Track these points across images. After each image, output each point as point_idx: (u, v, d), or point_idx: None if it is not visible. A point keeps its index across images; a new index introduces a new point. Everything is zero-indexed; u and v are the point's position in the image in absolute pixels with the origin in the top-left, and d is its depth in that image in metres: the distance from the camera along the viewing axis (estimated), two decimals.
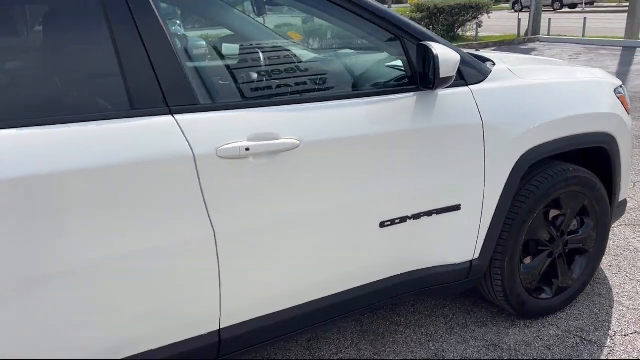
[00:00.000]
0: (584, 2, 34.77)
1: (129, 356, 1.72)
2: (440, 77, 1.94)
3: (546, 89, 2.43)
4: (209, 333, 1.85)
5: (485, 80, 2.27)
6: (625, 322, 2.62)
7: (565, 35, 15.81)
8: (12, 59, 1.64)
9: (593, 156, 2.66)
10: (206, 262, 1.76)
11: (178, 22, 2.58)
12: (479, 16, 15.37)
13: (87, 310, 1.61)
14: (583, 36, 14.96)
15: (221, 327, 1.86)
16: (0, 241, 1.45)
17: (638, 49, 12.64)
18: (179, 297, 1.75)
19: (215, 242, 1.74)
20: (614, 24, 19.25)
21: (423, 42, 2.02)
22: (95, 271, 1.59)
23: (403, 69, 2.18)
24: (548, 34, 16.06)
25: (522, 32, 16.48)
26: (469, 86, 2.21)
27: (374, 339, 2.59)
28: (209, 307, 1.81)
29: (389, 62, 2.25)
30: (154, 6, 1.69)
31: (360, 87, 2.17)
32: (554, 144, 2.38)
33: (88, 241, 1.56)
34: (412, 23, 2.13)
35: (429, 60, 1.97)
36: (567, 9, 35.13)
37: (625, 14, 14.08)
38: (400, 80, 2.16)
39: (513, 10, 31.49)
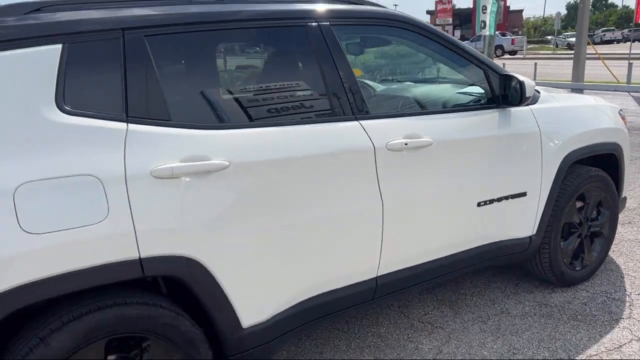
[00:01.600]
0: (524, 49, 37.66)
1: (320, 293, 2.38)
2: (526, 96, 2.76)
3: (578, 110, 3.30)
4: (370, 279, 2.53)
5: (538, 102, 3.10)
6: (636, 286, 3.45)
7: None
8: (268, 85, 2.34)
9: (603, 161, 3.50)
10: (375, 226, 2.46)
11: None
12: None
13: (306, 253, 2.28)
14: (534, 78, 16.54)
15: (378, 275, 2.55)
16: (278, 204, 2.12)
17: (584, 90, 14.17)
18: (358, 249, 2.44)
19: (383, 212, 2.45)
20: (556, 69, 21.20)
21: (506, 74, 2.84)
22: (313, 226, 2.27)
23: (478, 94, 2.98)
24: None
25: None
26: (529, 106, 3.03)
27: (450, 304, 3.31)
28: (373, 258, 2.50)
29: (469, 88, 3.05)
30: (343, 49, 2.43)
31: (458, 105, 2.96)
32: (585, 149, 3.24)
33: (307, 204, 2.25)
34: (493, 61, 2.96)
35: (513, 85, 2.78)
36: (507, 55, 37.90)
37: (561, 61, 15.68)
38: (480, 101, 2.96)
39: None
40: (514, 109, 2.94)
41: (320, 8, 2.46)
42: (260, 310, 2.20)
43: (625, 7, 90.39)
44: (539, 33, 75.26)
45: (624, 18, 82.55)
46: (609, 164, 3.52)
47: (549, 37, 59.89)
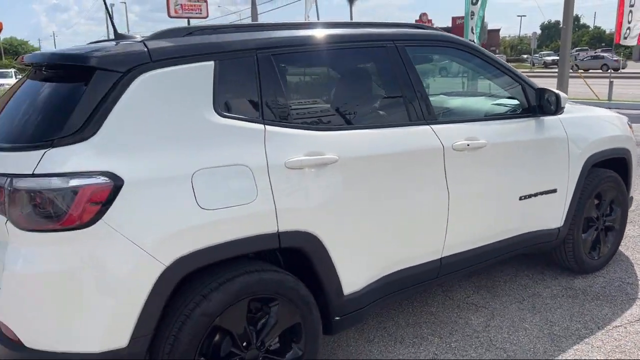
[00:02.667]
0: None
1: (398, 270, 2.84)
2: (561, 107, 3.28)
3: (596, 119, 3.84)
4: (436, 259, 3.00)
5: (564, 112, 3.62)
6: None
7: None
8: (362, 95, 2.82)
9: (615, 164, 4.03)
10: (443, 213, 2.93)
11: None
12: None
13: (391, 233, 2.74)
14: None
15: (442, 256, 3.02)
16: (372, 191, 2.59)
17: None
18: (429, 232, 2.91)
19: (448, 201, 2.93)
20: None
21: (541, 87, 3.36)
22: (398, 210, 2.74)
23: (514, 104, 3.50)
24: None
25: None
26: (558, 115, 3.55)
27: (487, 289, 3.79)
28: (440, 241, 2.97)
29: (506, 100, 3.56)
30: (414, 64, 2.92)
31: (502, 113, 3.47)
32: (602, 153, 3.76)
33: (394, 193, 2.72)
34: (527, 77, 3.48)
35: (547, 97, 3.30)
36: None
37: (539, 79, 16.43)
38: (516, 111, 3.47)
39: None
40: (547, 118, 3.46)
41: (396, 32, 2.96)
42: (356, 281, 2.65)
43: (597, 28, 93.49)
44: (516, 52, 77.25)
45: (596, 38, 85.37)
46: (620, 167, 4.05)
47: (525, 56, 61.63)
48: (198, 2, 24.98)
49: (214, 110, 2.26)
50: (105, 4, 2.72)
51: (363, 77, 2.97)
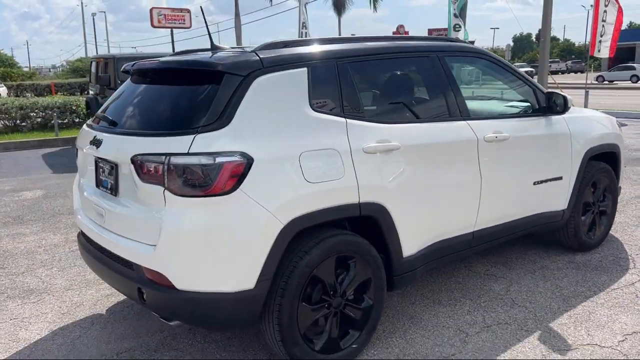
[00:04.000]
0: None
1: (442, 239, 3.46)
2: (569, 107, 3.96)
3: (592, 118, 4.54)
4: (470, 232, 3.63)
5: (567, 111, 4.30)
6: (633, 249, 4.68)
7: None
8: (415, 95, 3.45)
9: (607, 157, 4.72)
10: (476, 192, 3.57)
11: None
12: None
13: (439, 207, 3.36)
14: None
15: (474, 230, 3.66)
16: (425, 173, 3.21)
17: None
18: (466, 209, 3.54)
19: (481, 182, 3.57)
20: None
21: (550, 91, 4.04)
22: (445, 188, 3.37)
23: (526, 105, 4.17)
24: None
25: None
26: (562, 115, 4.23)
27: (503, 264, 4.43)
28: (473, 217, 3.61)
29: (521, 102, 4.23)
30: (453, 72, 3.57)
31: (519, 113, 4.13)
32: (597, 148, 4.46)
33: (442, 174, 3.34)
34: (537, 83, 4.16)
35: (554, 99, 3.98)
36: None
37: None
38: (528, 110, 4.14)
39: None
40: (554, 117, 4.14)
41: (437, 44, 3.62)
42: (412, 246, 3.25)
43: (567, 41, 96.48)
44: None
45: (566, 50, 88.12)
46: (611, 160, 4.75)
47: None
48: (181, 12, 25.31)
49: (309, 106, 2.86)
50: (204, 15, 3.31)
51: (414, 81, 3.60)
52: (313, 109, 2.86)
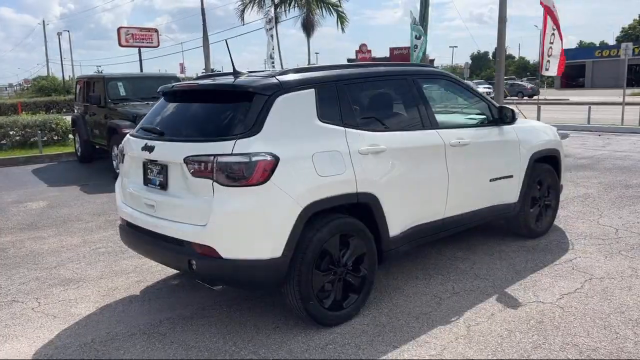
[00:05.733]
0: None
1: (419, 224, 4.33)
2: (515, 119, 4.92)
3: (536, 128, 5.54)
4: (441, 218, 4.52)
5: (515, 122, 5.26)
6: (572, 236, 5.66)
7: None
8: (397, 110, 4.33)
9: (549, 160, 5.70)
10: (444, 185, 4.46)
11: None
12: None
13: (416, 196, 4.24)
14: None
15: (444, 217, 4.55)
16: (405, 170, 4.09)
17: None
18: (437, 199, 4.42)
19: (448, 178, 4.46)
20: None
21: (501, 106, 5.00)
22: (421, 182, 4.25)
23: (483, 117, 5.12)
24: None
25: None
26: (511, 125, 5.19)
27: (466, 249, 5.34)
28: (443, 206, 4.49)
29: (478, 115, 5.18)
30: (424, 92, 4.48)
31: (477, 123, 5.07)
32: (541, 152, 5.44)
33: (418, 170, 4.23)
34: (490, 98, 5.11)
35: (505, 112, 4.94)
36: None
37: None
38: (484, 121, 5.09)
39: None
40: (505, 126, 5.10)
41: (411, 69, 4.54)
42: (395, 228, 4.10)
43: (522, 58, 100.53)
44: None
45: (521, 67, 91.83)
46: (553, 162, 5.74)
47: None
48: (149, 31, 25.79)
49: (318, 118, 3.71)
50: (228, 48, 4.13)
51: (395, 98, 4.49)
52: (320, 120, 3.71)
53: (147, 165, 3.87)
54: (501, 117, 5.04)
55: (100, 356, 3.49)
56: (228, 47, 4.16)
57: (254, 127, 3.42)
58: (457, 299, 4.17)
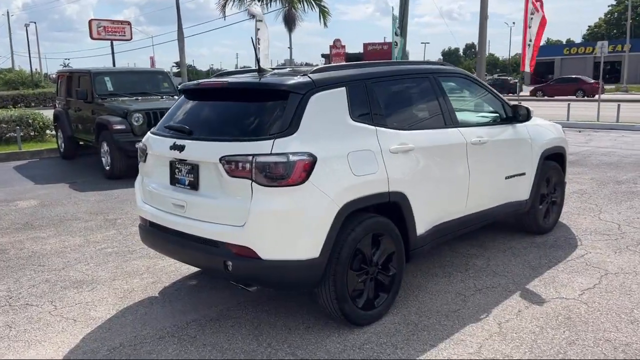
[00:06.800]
0: None
1: (442, 222, 4.35)
2: (531, 117, 4.98)
3: (545, 126, 5.62)
4: (461, 216, 4.55)
5: (528, 121, 5.33)
6: (578, 231, 5.77)
7: None
8: (421, 108, 4.33)
9: (556, 158, 5.79)
10: (466, 183, 4.49)
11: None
12: None
13: (442, 194, 4.26)
14: None
15: (465, 214, 4.58)
16: (431, 169, 4.09)
17: None
18: (459, 196, 4.45)
19: (469, 175, 4.50)
20: None
21: (515, 104, 5.06)
22: (446, 180, 4.26)
23: (495, 115, 5.16)
24: None
25: None
26: (523, 123, 5.25)
27: (478, 246, 5.39)
28: (464, 203, 4.52)
29: (488, 113, 5.22)
30: (445, 89, 4.49)
31: (492, 122, 5.10)
32: (550, 150, 5.52)
33: (443, 168, 4.24)
34: (504, 99, 5.16)
35: (521, 111, 5.00)
36: None
37: None
38: (497, 120, 5.14)
39: None
40: (518, 125, 5.16)
41: (433, 67, 4.55)
42: (422, 226, 4.11)
43: (491, 55, 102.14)
44: None
45: (491, 64, 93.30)
46: (559, 160, 5.84)
47: None
48: (122, 24, 25.24)
49: (350, 117, 3.68)
50: (254, 44, 4.06)
51: (420, 97, 4.49)
52: (352, 119, 3.69)
53: (174, 165, 3.78)
54: (515, 115, 5.09)
55: None
56: (254, 44, 4.09)
57: (290, 127, 3.38)
58: (481, 296, 4.20)
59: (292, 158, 3.28)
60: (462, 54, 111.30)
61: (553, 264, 4.87)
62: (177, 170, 3.77)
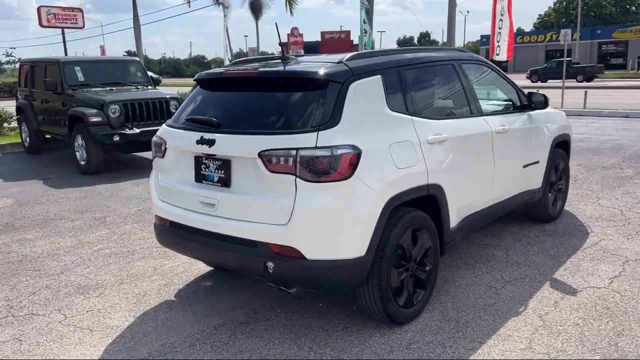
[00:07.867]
0: None
1: (472, 212, 4.23)
2: (548, 104, 4.92)
3: (554, 113, 5.57)
4: (486, 207, 4.45)
5: (545, 108, 5.27)
6: (585, 218, 5.78)
7: None
8: (451, 97, 4.18)
9: (562, 145, 5.78)
10: (491, 173, 4.39)
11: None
12: None
13: (474, 185, 4.14)
14: None
15: (490, 204, 4.48)
16: (462, 159, 3.96)
17: None
18: (486, 186, 4.34)
19: (494, 166, 4.40)
20: None
21: (531, 92, 4.98)
22: (476, 170, 4.15)
23: (510, 103, 5.09)
24: None
25: None
26: (536, 111, 5.19)
27: (492, 236, 5.33)
28: (489, 193, 4.42)
29: (503, 101, 5.14)
30: (468, 75, 4.36)
31: (512, 109, 5.01)
32: (559, 137, 5.49)
33: (474, 158, 4.12)
34: (518, 86, 5.08)
35: (538, 99, 4.93)
36: None
37: None
38: (511, 108, 5.06)
39: None
40: (532, 113, 5.09)
41: (456, 54, 4.41)
42: (456, 219, 3.99)
43: (445, 43, 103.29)
44: None
45: None
46: (565, 147, 5.83)
47: None
48: (73, 11, 24.13)
49: (387, 106, 3.50)
50: (277, 31, 3.82)
51: (448, 85, 4.33)
52: (390, 109, 3.51)
53: (200, 160, 3.52)
54: (529, 104, 5.02)
55: None
56: (278, 31, 3.85)
57: (332, 118, 3.17)
58: (512, 289, 4.12)
59: (338, 151, 3.08)
60: (416, 42, 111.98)
61: (571, 252, 4.84)
62: (203, 166, 3.51)
